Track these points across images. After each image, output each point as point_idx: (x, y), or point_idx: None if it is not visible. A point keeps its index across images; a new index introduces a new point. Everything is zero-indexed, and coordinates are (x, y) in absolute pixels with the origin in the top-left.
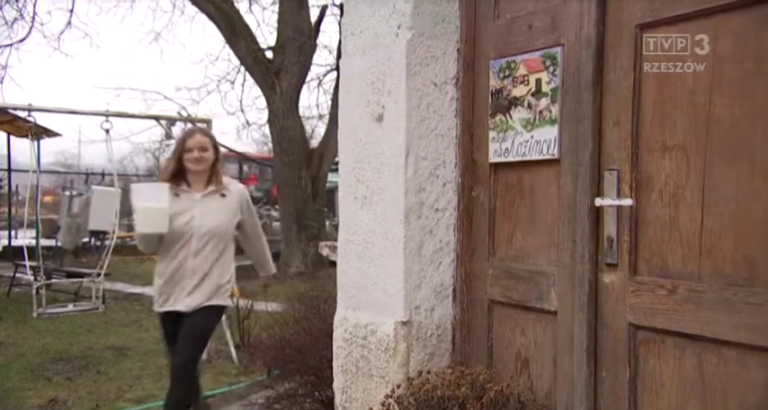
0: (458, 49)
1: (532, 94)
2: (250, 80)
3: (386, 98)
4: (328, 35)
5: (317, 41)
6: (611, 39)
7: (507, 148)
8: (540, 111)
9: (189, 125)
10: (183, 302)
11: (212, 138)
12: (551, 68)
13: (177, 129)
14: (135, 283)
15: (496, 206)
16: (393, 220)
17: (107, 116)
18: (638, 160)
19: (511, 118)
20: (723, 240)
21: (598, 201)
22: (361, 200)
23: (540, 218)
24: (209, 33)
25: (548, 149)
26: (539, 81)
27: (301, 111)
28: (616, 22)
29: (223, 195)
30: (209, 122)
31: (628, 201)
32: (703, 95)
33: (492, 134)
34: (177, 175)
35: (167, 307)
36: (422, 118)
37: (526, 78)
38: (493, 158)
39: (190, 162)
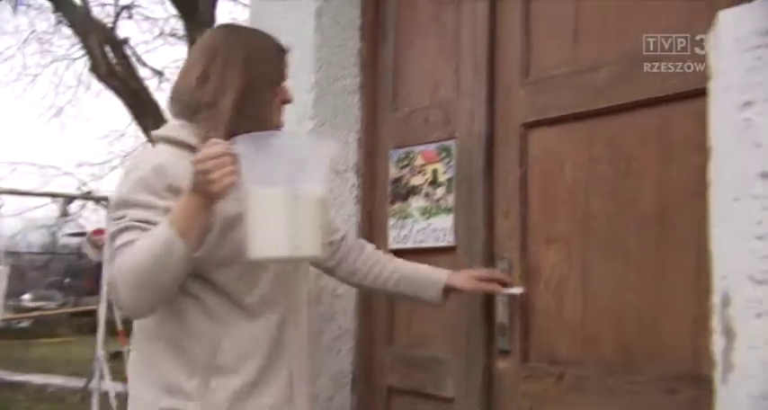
0: (358, 139)
1: (430, 184)
2: None
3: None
4: None
5: None
6: (501, 134)
7: (406, 235)
8: (437, 200)
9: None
10: None
11: None
12: (446, 160)
13: (75, 207)
14: (18, 370)
15: None
16: None
17: None
18: (526, 251)
19: (409, 206)
20: (603, 329)
21: None
22: None
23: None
24: (115, 108)
25: (444, 237)
26: (435, 171)
27: None
28: (504, 119)
29: None
30: (108, 200)
31: (518, 290)
32: (582, 193)
33: (391, 221)
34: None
35: None
36: None
37: (424, 168)
38: (392, 245)
39: (279, 109)
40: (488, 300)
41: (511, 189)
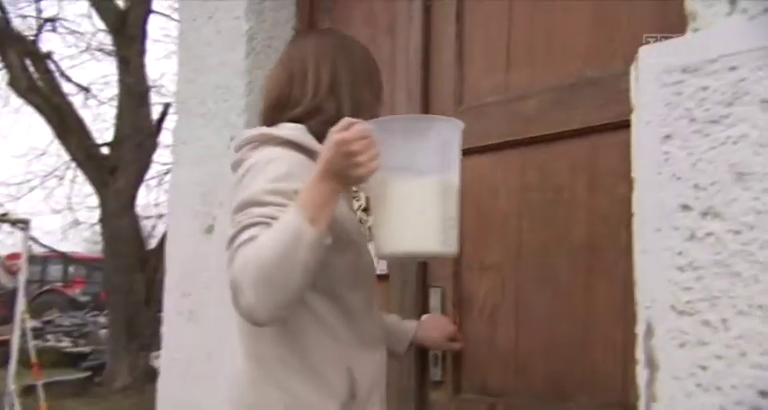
0: None
1: (363, 210)
2: (81, 176)
3: (217, 210)
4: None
5: (159, 139)
6: None
7: None
8: (370, 228)
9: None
10: None
11: None
12: None
13: None
14: None
15: None
16: (221, 338)
17: None
18: (459, 278)
19: None
20: (535, 358)
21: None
22: (187, 315)
23: None
24: (35, 125)
25: (378, 265)
26: (368, 198)
27: (139, 209)
28: None
29: None
30: (26, 222)
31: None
32: (515, 220)
33: None
34: None
35: None
36: None
37: (357, 194)
38: None
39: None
40: None
41: None
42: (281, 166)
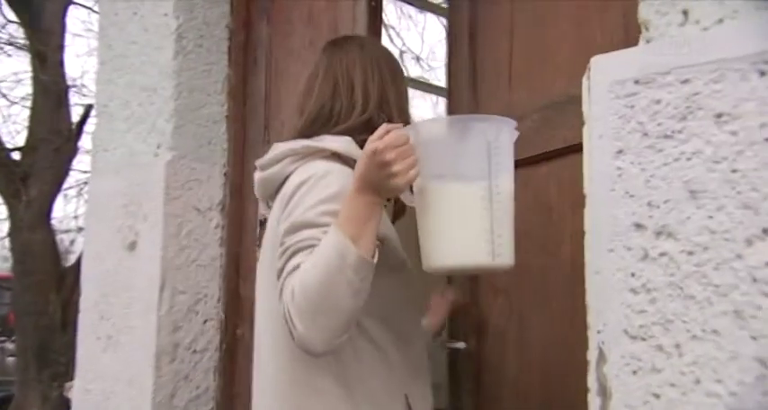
0: (225, 174)
1: None
2: None
3: (141, 224)
4: None
5: (79, 144)
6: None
7: None
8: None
9: None
10: None
11: None
12: None
13: None
14: None
15: None
16: (142, 365)
17: None
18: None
19: None
20: (535, 384)
21: None
22: (105, 340)
23: None
24: None
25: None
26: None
27: (56, 222)
28: None
29: None
30: None
31: (462, 344)
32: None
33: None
34: None
35: None
36: (181, 247)
37: None
38: None
39: None
40: None
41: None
42: (334, 184)
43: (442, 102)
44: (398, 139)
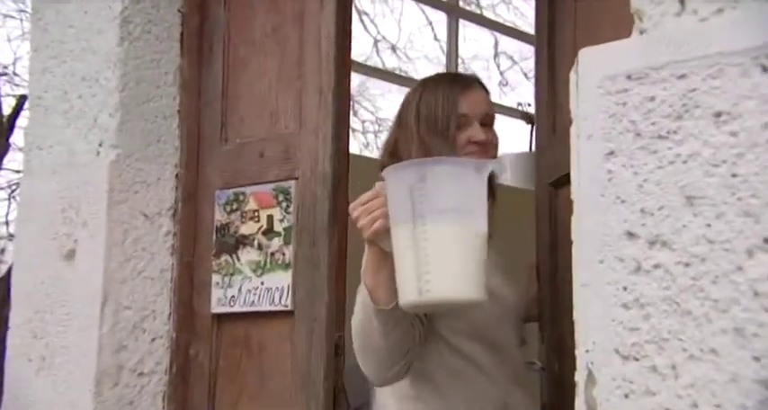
0: (176, 175)
1: (264, 233)
2: None
3: (80, 231)
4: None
5: (11, 141)
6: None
7: (234, 296)
8: (272, 253)
9: None
10: None
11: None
12: (284, 204)
13: None
14: None
15: (219, 367)
16: (80, 389)
17: None
18: None
19: (238, 260)
20: None
21: None
22: (39, 362)
23: (271, 382)
24: None
25: (280, 299)
26: (270, 218)
27: None
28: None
29: None
30: None
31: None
32: None
33: (216, 278)
34: None
35: None
36: (126, 257)
37: (257, 214)
38: (216, 308)
39: (472, 150)
40: (334, 379)
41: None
42: None
43: None
44: (365, 197)
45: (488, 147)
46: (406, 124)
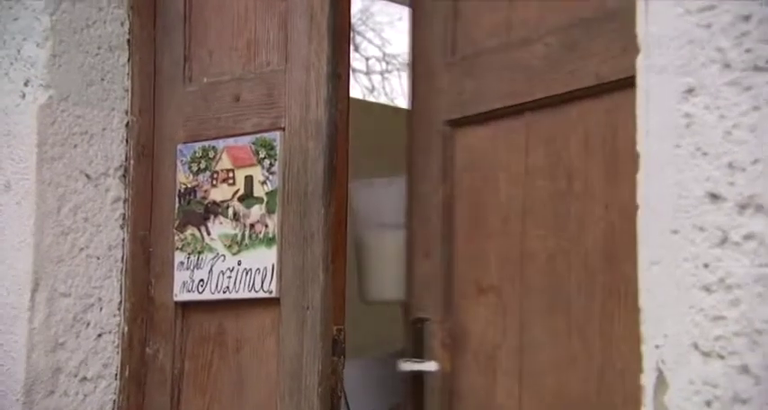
0: (126, 124)
1: (240, 199)
2: None
3: (2, 196)
4: None
5: None
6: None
7: (203, 280)
8: (252, 225)
9: None
10: None
11: None
12: (267, 162)
13: None
14: None
15: (185, 370)
16: (5, 399)
17: None
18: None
19: (209, 234)
20: None
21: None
22: None
23: (251, 390)
24: None
25: (262, 283)
26: (249, 180)
27: None
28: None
29: None
30: None
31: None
32: (517, 222)
33: (179, 257)
34: None
35: None
36: (63, 229)
37: (231, 175)
38: (180, 295)
39: None
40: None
41: (434, 221)
42: None
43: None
44: None
45: None
46: None
